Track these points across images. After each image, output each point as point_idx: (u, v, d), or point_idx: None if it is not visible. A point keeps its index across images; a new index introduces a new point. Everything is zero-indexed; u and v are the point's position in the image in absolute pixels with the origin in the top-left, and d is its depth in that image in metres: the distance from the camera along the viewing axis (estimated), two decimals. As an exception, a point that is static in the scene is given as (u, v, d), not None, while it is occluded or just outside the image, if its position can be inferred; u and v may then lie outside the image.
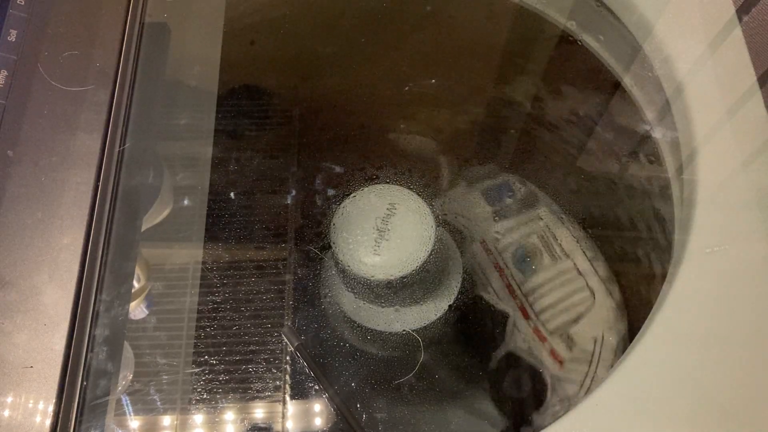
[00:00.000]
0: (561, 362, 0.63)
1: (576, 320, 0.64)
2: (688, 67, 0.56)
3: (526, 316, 0.65)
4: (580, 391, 0.62)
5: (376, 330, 0.63)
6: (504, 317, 0.66)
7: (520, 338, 0.65)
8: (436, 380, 0.63)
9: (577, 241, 0.68)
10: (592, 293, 0.65)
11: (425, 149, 0.79)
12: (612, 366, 0.62)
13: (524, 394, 0.65)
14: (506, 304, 0.67)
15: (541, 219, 0.70)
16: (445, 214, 0.73)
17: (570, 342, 0.63)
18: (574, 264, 0.67)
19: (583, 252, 0.67)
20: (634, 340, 0.45)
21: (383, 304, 0.62)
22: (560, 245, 0.68)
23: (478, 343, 0.67)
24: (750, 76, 0.54)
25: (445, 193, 0.75)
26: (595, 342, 0.63)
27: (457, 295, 0.64)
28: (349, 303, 0.64)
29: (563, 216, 0.70)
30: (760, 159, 0.51)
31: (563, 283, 0.66)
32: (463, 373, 0.65)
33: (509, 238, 0.70)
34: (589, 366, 0.62)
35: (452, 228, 0.72)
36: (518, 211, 0.71)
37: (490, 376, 0.66)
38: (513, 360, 0.65)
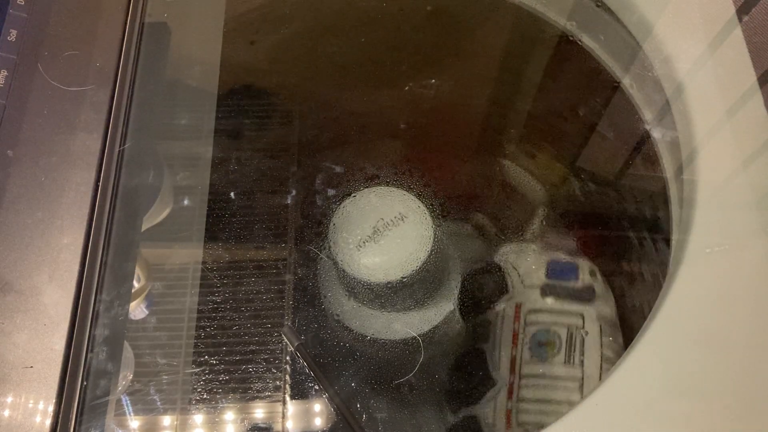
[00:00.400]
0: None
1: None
2: (688, 67, 0.56)
3: (510, 395, 0.63)
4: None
5: (375, 330, 0.63)
6: (492, 384, 0.64)
7: (491, 411, 0.63)
8: (435, 380, 0.63)
9: (601, 359, 0.63)
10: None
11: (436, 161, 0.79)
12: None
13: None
14: (501, 374, 0.64)
15: (583, 319, 0.65)
16: (502, 259, 0.71)
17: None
18: (582, 376, 0.62)
19: (600, 371, 0.62)
20: (634, 340, 0.45)
21: (383, 305, 0.62)
22: (582, 353, 0.63)
23: (464, 377, 0.66)
24: (750, 76, 0.54)
25: (515, 242, 0.71)
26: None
27: (457, 297, 0.64)
28: (349, 303, 0.64)
29: (606, 328, 0.65)
30: (760, 159, 0.51)
31: (559, 388, 0.62)
32: (435, 402, 0.64)
33: (542, 316, 0.66)
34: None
35: (499, 274, 0.69)
36: (568, 298, 0.67)
37: (447, 428, 0.64)
38: (473, 426, 0.64)
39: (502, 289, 0.68)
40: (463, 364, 0.65)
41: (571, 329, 0.64)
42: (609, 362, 0.63)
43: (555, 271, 0.68)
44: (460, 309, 0.65)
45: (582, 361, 0.62)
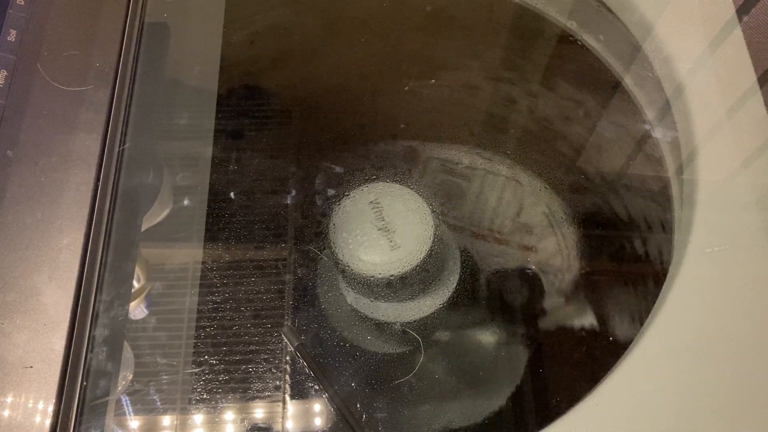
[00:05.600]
0: (531, 248, 0.65)
1: (518, 212, 0.66)
2: (688, 67, 0.56)
3: (480, 236, 0.67)
4: (563, 257, 0.64)
5: (375, 330, 0.63)
6: (465, 253, 0.67)
7: (488, 256, 0.66)
8: (436, 380, 0.63)
9: (474, 154, 0.68)
10: (517, 181, 0.67)
11: (425, 153, 0.79)
12: (572, 224, 0.65)
13: (521, 295, 0.66)
14: (459, 242, 0.67)
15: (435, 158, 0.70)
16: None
17: (526, 228, 0.65)
18: (486, 170, 0.69)
19: (483, 158, 0.68)
20: (634, 340, 0.45)
21: (383, 304, 0.62)
22: (465, 167, 0.70)
23: (475, 330, 0.67)
24: (750, 76, 0.54)
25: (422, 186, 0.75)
26: (545, 215, 0.64)
27: (457, 294, 0.64)
28: (349, 303, 0.64)
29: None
30: (760, 159, 0.51)
31: (488, 190, 0.68)
32: (465, 354, 0.65)
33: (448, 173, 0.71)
34: (556, 235, 0.64)
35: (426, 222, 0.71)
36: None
37: (484, 311, 0.66)
38: (495, 277, 0.66)
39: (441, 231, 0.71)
40: (461, 307, 0.66)
41: (444, 169, 0.69)
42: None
43: None
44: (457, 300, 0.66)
45: (473, 168, 0.69)
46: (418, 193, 0.61)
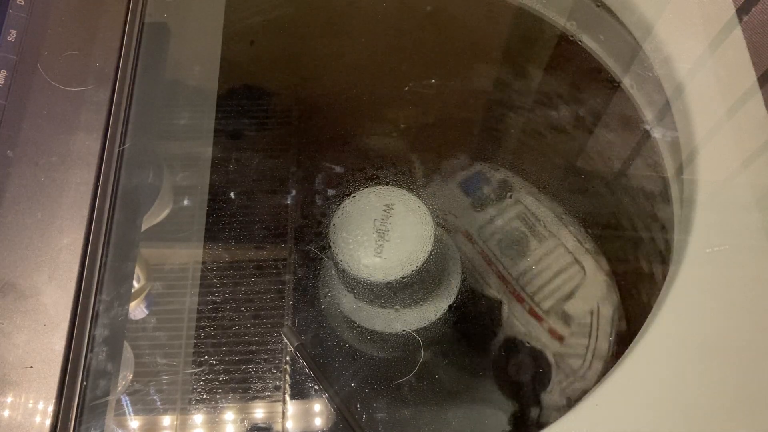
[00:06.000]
0: (561, 339, 0.64)
1: (569, 296, 0.64)
2: (688, 67, 0.56)
3: (520, 300, 0.65)
4: (584, 364, 0.62)
5: (375, 330, 0.63)
6: (498, 305, 0.66)
7: (518, 322, 0.65)
8: (436, 380, 0.63)
9: (560, 219, 0.68)
10: (582, 267, 0.65)
11: (417, 148, 0.79)
12: (611, 336, 0.63)
13: (529, 375, 0.65)
14: (499, 292, 0.67)
15: (521, 202, 0.69)
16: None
17: (567, 318, 0.64)
18: (561, 241, 0.66)
19: (567, 228, 0.67)
20: (634, 340, 0.45)
21: (383, 305, 0.62)
22: (543, 225, 0.67)
23: (478, 338, 0.67)
24: (750, 76, 0.54)
25: (422, 188, 0.75)
26: (592, 314, 0.64)
27: (457, 295, 0.64)
28: (349, 303, 0.64)
29: (541, 196, 0.70)
30: (760, 159, 0.51)
31: (552, 261, 0.66)
32: (465, 366, 0.65)
33: (493, 226, 0.69)
34: (589, 339, 0.63)
35: (426, 224, 0.71)
36: (497, 199, 0.71)
37: (493, 364, 0.66)
38: (513, 345, 0.66)
39: (441, 233, 0.70)
40: (462, 313, 0.65)
41: (521, 216, 0.68)
42: (562, 216, 0.67)
43: (467, 186, 0.71)
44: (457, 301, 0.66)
45: (549, 231, 0.66)
46: (417, 194, 0.61)
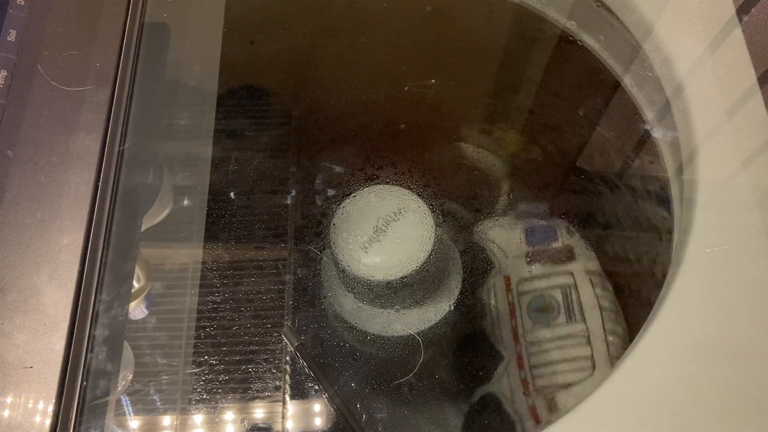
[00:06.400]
0: (538, 422, 0.61)
1: (566, 387, 0.61)
2: (688, 67, 0.56)
3: (520, 366, 0.63)
4: None
5: (375, 330, 0.63)
6: (499, 358, 0.64)
7: (506, 384, 0.63)
8: (435, 380, 0.63)
9: (600, 310, 0.63)
10: (593, 366, 0.61)
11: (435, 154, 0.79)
12: None
13: None
14: (506, 347, 0.64)
15: (573, 276, 0.66)
16: (479, 233, 0.70)
17: (553, 406, 0.61)
18: (587, 330, 0.63)
19: (602, 321, 0.63)
20: (634, 340, 0.45)
21: (383, 305, 0.62)
22: (581, 307, 0.64)
23: (464, 377, 0.65)
24: (750, 76, 0.54)
25: (489, 215, 0.71)
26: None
27: (458, 297, 0.64)
28: (349, 303, 0.64)
29: (596, 280, 0.65)
30: (760, 159, 0.51)
31: (568, 346, 0.63)
32: (447, 391, 0.63)
33: (534, 284, 0.66)
34: None
35: (480, 252, 0.69)
36: (553, 260, 0.67)
37: (467, 411, 0.64)
38: (492, 402, 0.64)
39: (487, 266, 0.68)
40: (467, 347, 0.65)
41: (564, 289, 0.65)
42: (607, 311, 0.64)
43: (534, 236, 0.68)
44: (457, 301, 0.65)
45: (583, 316, 0.63)
46: (417, 194, 0.61)
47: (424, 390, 0.62)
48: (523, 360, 0.63)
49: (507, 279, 0.67)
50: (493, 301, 0.67)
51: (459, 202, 0.73)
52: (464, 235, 0.71)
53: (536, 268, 0.67)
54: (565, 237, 0.68)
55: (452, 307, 0.64)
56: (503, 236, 0.69)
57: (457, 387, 0.64)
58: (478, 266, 0.68)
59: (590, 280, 0.65)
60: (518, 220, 0.70)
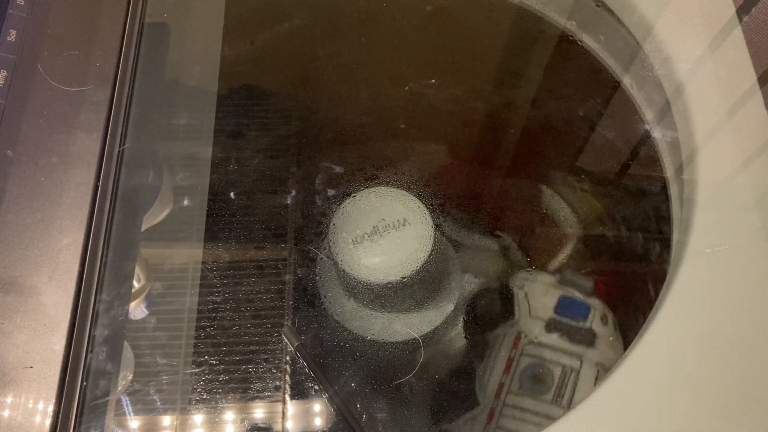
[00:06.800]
0: None
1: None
2: (688, 67, 0.56)
3: (489, 419, 0.61)
4: None
5: (375, 330, 0.63)
6: (474, 403, 0.62)
7: (471, 428, 0.62)
8: (436, 380, 0.63)
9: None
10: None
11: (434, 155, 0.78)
12: None
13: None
14: (485, 396, 0.62)
15: (581, 362, 0.62)
16: (517, 280, 0.67)
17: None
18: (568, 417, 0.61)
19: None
20: (634, 340, 0.45)
21: (383, 305, 0.62)
22: (572, 395, 0.61)
23: (447, 392, 0.64)
24: (750, 76, 0.54)
25: (532, 269, 0.68)
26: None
27: (457, 300, 0.64)
28: (349, 303, 0.64)
29: (603, 375, 0.61)
30: (760, 159, 0.51)
31: (539, 425, 0.60)
32: (411, 414, 0.62)
33: (541, 351, 0.63)
34: None
35: (509, 296, 0.66)
36: (571, 338, 0.63)
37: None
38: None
39: (508, 313, 0.66)
40: (452, 379, 0.63)
41: (566, 370, 0.62)
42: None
43: (565, 307, 0.64)
44: (463, 321, 0.64)
45: (570, 404, 0.60)
46: (417, 195, 0.61)
47: (411, 395, 0.62)
48: (494, 417, 0.61)
49: (519, 334, 0.64)
50: (495, 349, 0.65)
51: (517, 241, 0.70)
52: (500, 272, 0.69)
53: (551, 338, 0.64)
54: (596, 322, 0.64)
55: (452, 308, 0.64)
56: (537, 293, 0.66)
57: (422, 415, 0.63)
58: (499, 309, 0.66)
59: (597, 372, 0.62)
60: (560, 285, 0.66)
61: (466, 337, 0.65)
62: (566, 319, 0.64)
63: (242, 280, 0.67)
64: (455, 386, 0.64)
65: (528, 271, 0.68)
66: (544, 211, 0.72)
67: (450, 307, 0.64)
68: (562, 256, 0.69)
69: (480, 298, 0.66)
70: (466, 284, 0.66)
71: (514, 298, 0.67)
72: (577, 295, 0.65)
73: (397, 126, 0.80)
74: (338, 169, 0.75)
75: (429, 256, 0.58)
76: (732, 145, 0.52)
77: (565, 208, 0.72)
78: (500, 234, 0.70)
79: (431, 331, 0.63)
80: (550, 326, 0.64)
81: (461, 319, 0.65)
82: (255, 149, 0.77)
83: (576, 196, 0.72)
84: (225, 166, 0.74)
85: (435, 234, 0.58)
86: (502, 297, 0.67)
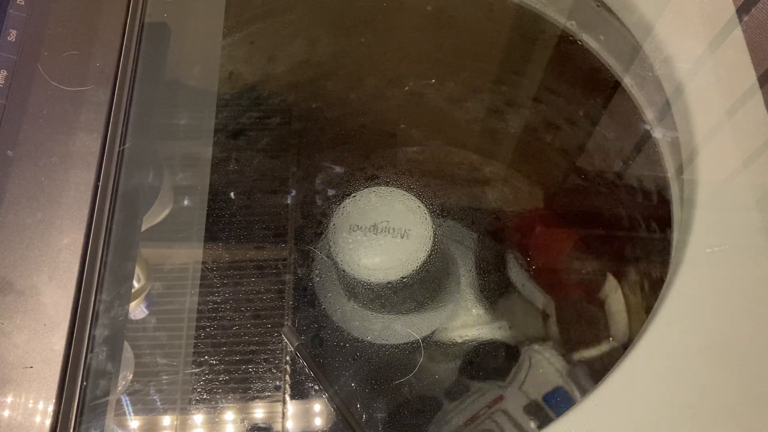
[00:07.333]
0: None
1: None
2: (688, 67, 0.56)
3: None
4: None
5: (375, 330, 0.63)
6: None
7: None
8: (436, 380, 0.63)
9: None
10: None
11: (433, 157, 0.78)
12: None
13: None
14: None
15: None
16: (528, 350, 0.66)
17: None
18: None
19: None
20: (634, 340, 0.45)
21: (383, 305, 0.62)
22: None
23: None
24: (750, 76, 0.54)
25: (545, 343, 0.66)
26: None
27: (457, 300, 0.64)
28: (349, 303, 0.64)
29: None
30: (760, 159, 0.51)
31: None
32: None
33: (508, 427, 0.60)
34: None
35: (515, 356, 0.65)
36: (540, 424, 0.60)
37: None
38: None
39: (501, 375, 0.64)
40: (416, 405, 0.62)
41: None
42: None
43: (555, 398, 0.62)
44: (461, 355, 0.64)
45: None
46: (417, 195, 0.61)
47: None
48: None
49: (499, 398, 0.62)
50: (470, 397, 0.63)
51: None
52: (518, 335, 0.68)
53: (525, 421, 0.61)
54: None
55: (452, 309, 0.64)
56: (539, 369, 0.63)
57: (416, 416, 0.62)
58: (501, 366, 0.65)
59: None
60: (565, 375, 0.63)
61: (452, 362, 0.64)
62: (550, 411, 0.61)
63: (242, 280, 0.67)
64: (412, 412, 0.63)
65: (542, 343, 0.66)
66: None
67: (450, 308, 0.64)
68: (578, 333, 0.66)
69: (487, 348, 0.65)
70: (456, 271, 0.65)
71: (518, 359, 0.65)
72: (575, 392, 0.62)
73: (397, 126, 0.80)
74: (338, 169, 0.75)
75: (429, 257, 0.58)
76: (732, 145, 0.52)
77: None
78: (500, 234, 0.70)
79: (431, 330, 0.63)
80: (532, 409, 0.61)
81: (460, 352, 0.64)
82: (255, 149, 0.77)
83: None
84: (225, 166, 0.74)
85: (435, 234, 0.58)
86: (508, 352, 0.66)
